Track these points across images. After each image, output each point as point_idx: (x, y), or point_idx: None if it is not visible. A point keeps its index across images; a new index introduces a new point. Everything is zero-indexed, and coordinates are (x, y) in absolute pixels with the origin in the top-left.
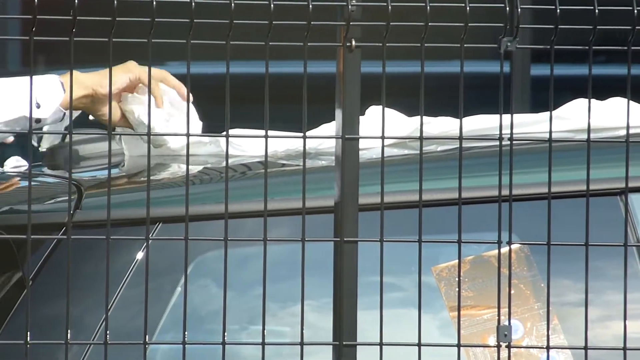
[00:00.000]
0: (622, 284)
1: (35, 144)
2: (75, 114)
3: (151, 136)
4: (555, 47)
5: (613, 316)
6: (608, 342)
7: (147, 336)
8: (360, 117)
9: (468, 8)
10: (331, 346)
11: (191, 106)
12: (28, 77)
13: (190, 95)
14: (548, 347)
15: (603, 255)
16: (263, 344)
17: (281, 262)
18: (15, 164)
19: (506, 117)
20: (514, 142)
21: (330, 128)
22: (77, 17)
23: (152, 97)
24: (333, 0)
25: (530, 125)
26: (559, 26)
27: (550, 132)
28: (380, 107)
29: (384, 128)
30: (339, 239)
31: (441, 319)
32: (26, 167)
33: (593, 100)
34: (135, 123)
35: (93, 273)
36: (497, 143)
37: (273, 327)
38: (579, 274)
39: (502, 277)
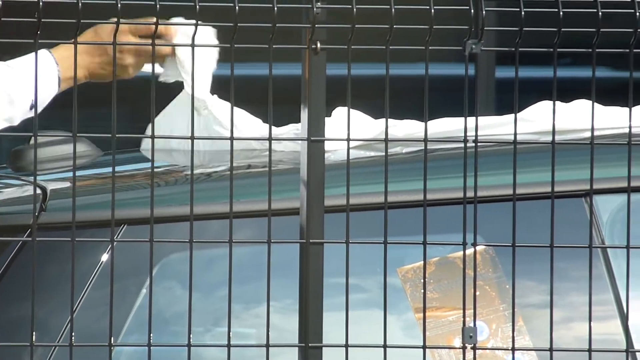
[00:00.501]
0: (586, 285)
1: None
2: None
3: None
4: (520, 49)
5: (576, 317)
6: (570, 343)
7: (112, 338)
8: (326, 119)
9: (433, 11)
10: (297, 348)
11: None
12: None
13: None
14: (513, 349)
15: (567, 256)
16: (229, 345)
17: (245, 263)
18: None
19: (471, 120)
20: (479, 144)
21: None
22: (42, 20)
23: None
24: (298, 2)
25: (495, 127)
26: (524, 28)
27: (515, 134)
28: (346, 109)
29: (349, 130)
30: (304, 241)
31: (406, 321)
32: None
33: (558, 103)
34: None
35: (58, 275)
36: (462, 145)
37: (237, 328)
38: (544, 275)
39: (467, 278)
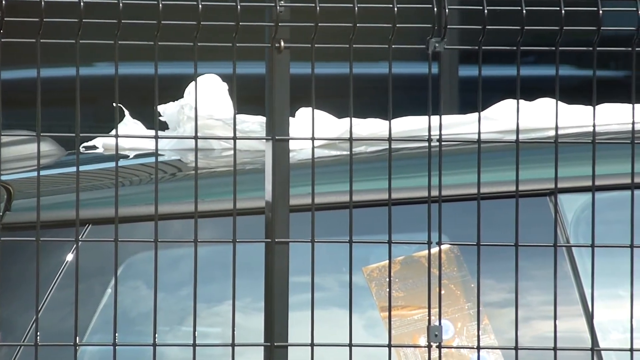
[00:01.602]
0: (547, 284)
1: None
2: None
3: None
4: (483, 47)
5: (541, 316)
6: (536, 342)
7: (77, 337)
8: (291, 119)
9: (396, 9)
10: (262, 347)
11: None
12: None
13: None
14: (479, 347)
15: (532, 255)
16: (194, 345)
17: (209, 263)
18: None
19: (435, 118)
20: (443, 143)
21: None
22: (5, 19)
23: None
24: (261, 0)
25: (459, 126)
26: (487, 27)
27: (479, 133)
28: (310, 108)
29: (314, 129)
30: (270, 240)
31: (371, 319)
32: None
33: (522, 101)
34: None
35: (23, 275)
36: (426, 144)
37: (202, 328)
38: (509, 274)
39: (433, 277)
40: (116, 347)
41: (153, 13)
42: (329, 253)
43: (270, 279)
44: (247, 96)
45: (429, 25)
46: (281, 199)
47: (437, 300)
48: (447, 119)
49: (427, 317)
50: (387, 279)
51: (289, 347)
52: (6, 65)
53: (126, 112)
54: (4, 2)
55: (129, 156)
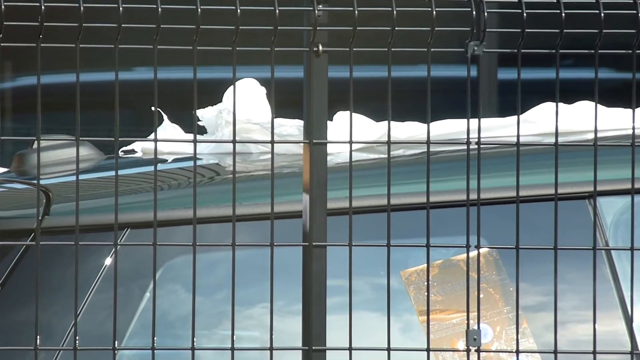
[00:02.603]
0: (585, 288)
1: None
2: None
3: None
4: (522, 51)
5: (580, 320)
6: (575, 346)
7: (116, 341)
8: (328, 123)
9: (435, 12)
10: (299, 350)
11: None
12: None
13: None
14: (518, 351)
15: (571, 258)
16: (232, 349)
17: (247, 266)
18: None
19: (473, 121)
20: (482, 146)
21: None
22: (44, 23)
23: None
24: (300, 5)
25: (497, 129)
26: (526, 30)
27: (518, 135)
28: (348, 112)
29: (351, 133)
30: (307, 244)
31: (410, 323)
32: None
33: (561, 104)
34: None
35: (62, 279)
36: (465, 147)
37: (240, 331)
38: (548, 278)
39: (471, 281)
40: (154, 351)
41: (192, 18)
42: (367, 256)
43: (308, 283)
44: (285, 100)
45: (468, 29)
46: (319, 203)
47: (476, 304)
48: (486, 121)
49: (466, 321)
50: (426, 283)
51: (327, 351)
52: (45, 69)
53: (165, 117)
54: (43, 6)
55: (167, 160)
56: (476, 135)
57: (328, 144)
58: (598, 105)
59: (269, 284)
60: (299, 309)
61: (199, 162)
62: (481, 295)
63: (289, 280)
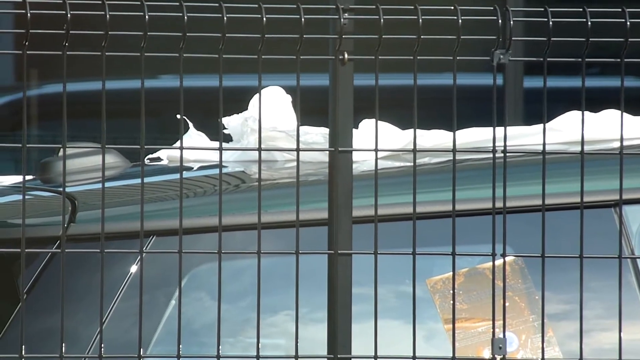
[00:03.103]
0: (615, 296)
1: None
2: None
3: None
4: (548, 59)
5: (606, 328)
6: (600, 354)
7: (141, 349)
8: (354, 130)
9: (460, 21)
10: (325, 359)
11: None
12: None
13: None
14: None
15: (597, 267)
16: (258, 357)
17: (272, 274)
18: None
19: (499, 130)
20: (508, 154)
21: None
22: (70, 31)
23: None
24: (325, 13)
25: (523, 137)
26: (552, 38)
27: (544, 144)
28: (373, 120)
29: (377, 141)
30: (333, 252)
31: (435, 332)
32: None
33: (587, 112)
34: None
35: (87, 286)
36: (491, 155)
37: (265, 339)
38: (573, 286)
39: (497, 289)
40: (180, 359)
41: (218, 26)
42: (392, 264)
43: (333, 291)
44: (310, 108)
45: (494, 37)
46: (344, 211)
47: (502, 312)
48: (512, 130)
49: (491, 329)
50: (451, 291)
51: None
52: (70, 77)
53: (190, 124)
54: (69, 15)
55: (193, 168)
56: (502, 144)
57: (353, 152)
58: (624, 113)
59: (294, 292)
60: (323, 316)
61: (224, 170)
62: (507, 304)
63: (313, 287)
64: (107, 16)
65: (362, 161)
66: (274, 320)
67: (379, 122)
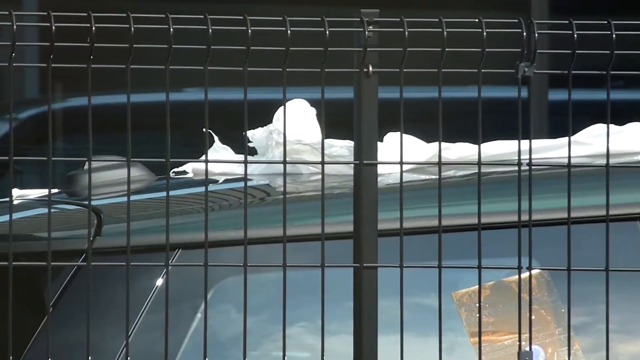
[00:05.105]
0: (636, 309)
1: None
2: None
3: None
4: (573, 72)
5: (632, 341)
6: None
7: None
8: (379, 143)
9: (485, 34)
10: None
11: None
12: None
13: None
14: None
15: (623, 280)
16: None
17: (294, 287)
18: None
19: (524, 143)
20: (533, 167)
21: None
22: (95, 45)
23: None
24: (350, 26)
25: (548, 150)
26: (577, 51)
27: (569, 157)
28: (398, 134)
29: (402, 153)
30: (358, 265)
31: (461, 345)
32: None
33: (612, 125)
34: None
35: (113, 299)
36: (516, 168)
37: (291, 352)
38: (600, 299)
39: (523, 302)
40: None
41: (242, 39)
42: (417, 277)
43: (359, 304)
44: (335, 121)
45: (519, 50)
46: (369, 224)
47: (528, 326)
48: (537, 143)
49: (518, 343)
50: (477, 304)
51: None
52: (95, 90)
53: (215, 138)
54: (93, 28)
55: (218, 181)
56: (527, 157)
57: (378, 165)
58: None
59: (319, 305)
60: (349, 329)
61: (249, 183)
62: (533, 317)
63: (338, 300)
64: (132, 29)
65: (387, 174)
66: (299, 333)
67: (403, 135)
